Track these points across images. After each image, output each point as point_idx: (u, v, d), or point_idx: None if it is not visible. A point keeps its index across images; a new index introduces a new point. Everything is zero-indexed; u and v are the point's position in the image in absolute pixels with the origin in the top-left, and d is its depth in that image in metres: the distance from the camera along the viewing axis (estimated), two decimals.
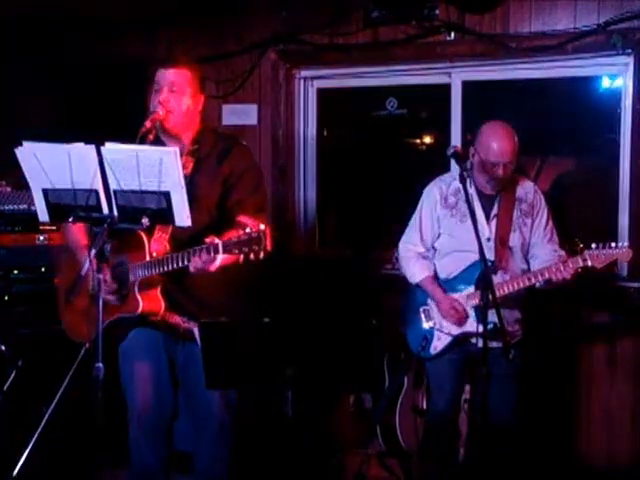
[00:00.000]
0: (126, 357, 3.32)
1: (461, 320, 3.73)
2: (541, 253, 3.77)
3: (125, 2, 4.98)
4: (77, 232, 3.29)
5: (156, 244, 3.09)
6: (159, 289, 3.11)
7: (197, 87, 3.24)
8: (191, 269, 2.94)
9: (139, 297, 3.07)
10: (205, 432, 3.35)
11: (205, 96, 3.31)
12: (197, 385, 3.26)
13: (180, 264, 2.94)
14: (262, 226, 2.74)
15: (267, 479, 4.22)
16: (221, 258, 2.85)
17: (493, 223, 3.75)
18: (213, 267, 2.90)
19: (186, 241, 3.05)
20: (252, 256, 2.73)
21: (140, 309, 3.08)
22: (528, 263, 3.82)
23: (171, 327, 3.23)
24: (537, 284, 3.63)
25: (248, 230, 2.73)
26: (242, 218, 2.90)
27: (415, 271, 3.86)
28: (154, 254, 3.06)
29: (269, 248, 2.74)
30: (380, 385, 4.55)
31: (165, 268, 2.98)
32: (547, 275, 3.58)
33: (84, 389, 2.85)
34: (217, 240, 2.80)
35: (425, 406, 4.32)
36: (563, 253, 3.74)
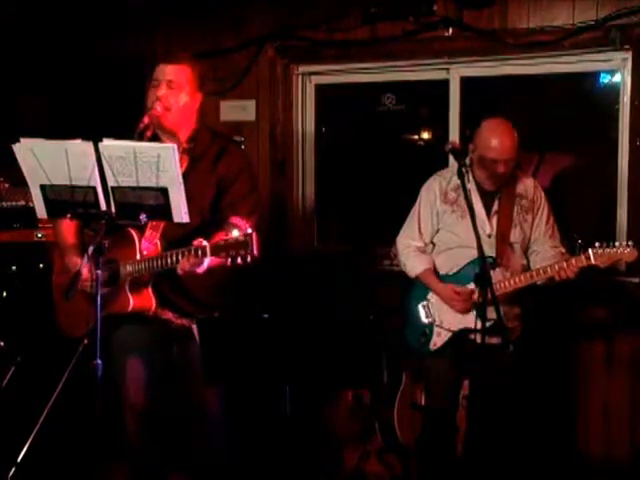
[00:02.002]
0: (118, 351, 3.31)
1: (467, 306, 3.70)
2: (542, 249, 3.77)
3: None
4: (66, 231, 3.28)
5: (147, 242, 3.09)
6: (150, 287, 3.11)
7: (196, 85, 3.23)
8: (179, 271, 2.94)
9: (130, 295, 3.08)
10: (200, 426, 3.36)
11: (203, 94, 3.30)
12: (190, 380, 3.27)
13: (169, 265, 2.94)
14: (249, 230, 2.74)
15: (266, 475, 4.23)
16: (208, 261, 2.85)
17: (494, 219, 3.75)
18: (201, 270, 2.91)
19: (177, 240, 3.06)
20: (239, 260, 2.74)
21: (131, 307, 3.08)
22: (528, 259, 3.81)
23: (164, 323, 3.23)
24: (540, 282, 3.63)
25: (236, 234, 2.73)
26: (234, 219, 2.92)
27: (415, 264, 3.86)
28: (144, 252, 3.07)
29: (256, 253, 2.74)
30: (378, 381, 4.56)
31: (154, 268, 2.98)
32: (550, 273, 3.58)
33: (83, 385, 2.85)
34: (205, 242, 2.81)
35: (423, 402, 4.33)
36: (563, 250, 3.74)
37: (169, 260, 2.94)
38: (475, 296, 3.66)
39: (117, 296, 3.08)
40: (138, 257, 3.06)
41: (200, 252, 2.82)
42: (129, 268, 3.06)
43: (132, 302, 3.08)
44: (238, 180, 3.23)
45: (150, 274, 3.06)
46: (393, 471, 4.34)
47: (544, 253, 3.75)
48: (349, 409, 4.75)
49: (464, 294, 3.70)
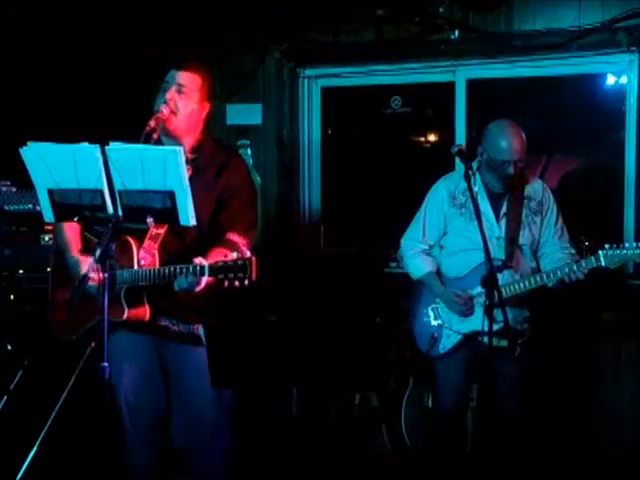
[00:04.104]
0: (114, 356, 3.28)
1: (468, 310, 3.71)
2: (552, 251, 3.76)
3: (130, 1, 4.99)
4: (70, 234, 3.28)
5: (145, 253, 3.09)
6: (145, 296, 3.11)
7: (205, 94, 3.23)
8: (175, 288, 2.94)
9: (125, 304, 3.07)
10: (198, 432, 3.34)
11: (211, 104, 3.30)
12: (188, 385, 3.26)
13: (165, 278, 2.94)
14: (248, 253, 2.74)
15: (272, 477, 4.23)
16: (206, 279, 2.86)
17: (503, 222, 3.74)
18: (198, 288, 2.91)
19: (175, 252, 3.06)
20: (236, 283, 2.74)
21: (125, 316, 3.07)
22: (537, 261, 3.81)
23: (160, 329, 3.23)
24: (550, 283, 3.62)
25: (235, 256, 2.74)
26: (232, 236, 2.91)
27: (417, 266, 3.86)
28: (142, 262, 3.06)
29: (254, 277, 2.75)
30: (386, 383, 4.56)
31: (150, 279, 2.98)
32: (560, 275, 3.57)
33: (88, 387, 2.85)
34: (204, 262, 2.82)
35: (431, 404, 4.32)
36: (574, 251, 3.74)
37: (166, 273, 2.94)
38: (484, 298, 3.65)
39: (112, 304, 3.06)
40: (135, 266, 3.06)
41: (198, 270, 2.83)
42: (126, 275, 3.06)
43: (126, 312, 3.08)
44: (238, 195, 3.22)
45: (145, 285, 3.05)
46: (400, 473, 4.34)
47: (554, 255, 3.74)
48: (356, 411, 4.75)
49: (464, 298, 3.72)
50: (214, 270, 2.79)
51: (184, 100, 3.17)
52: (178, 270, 2.89)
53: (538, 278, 3.63)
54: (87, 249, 3.21)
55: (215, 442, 3.37)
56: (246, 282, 2.75)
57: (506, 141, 3.61)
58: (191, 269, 2.85)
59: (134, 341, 3.28)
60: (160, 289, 3.06)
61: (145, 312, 3.12)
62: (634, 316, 4.45)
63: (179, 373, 3.32)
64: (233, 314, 3.41)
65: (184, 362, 3.29)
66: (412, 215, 3.97)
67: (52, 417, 3.52)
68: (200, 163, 3.22)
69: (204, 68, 3.29)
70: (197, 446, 3.36)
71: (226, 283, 2.76)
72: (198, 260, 2.84)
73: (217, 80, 4.95)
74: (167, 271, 2.94)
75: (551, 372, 4.52)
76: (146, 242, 3.11)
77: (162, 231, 3.11)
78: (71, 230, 3.28)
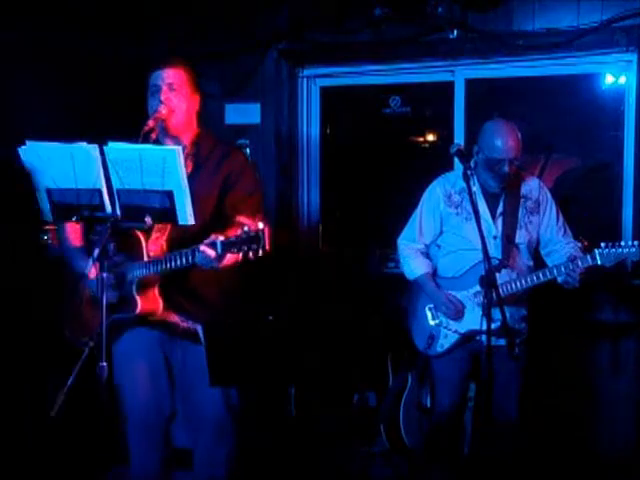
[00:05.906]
0: (122, 357, 3.28)
1: (457, 314, 3.74)
2: (558, 247, 3.77)
3: (129, 2, 4.99)
4: (72, 234, 3.29)
5: (153, 245, 3.10)
6: (157, 289, 3.12)
7: (193, 87, 3.25)
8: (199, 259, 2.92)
9: (137, 297, 3.08)
10: (204, 432, 3.34)
11: (201, 96, 3.31)
12: (194, 384, 3.26)
13: (178, 265, 2.94)
14: (261, 225, 2.74)
15: (271, 477, 4.23)
16: (228, 258, 2.85)
17: (499, 221, 3.75)
18: (219, 264, 2.89)
19: (183, 243, 3.06)
20: (251, 254, 2.73)
21: (138, 309, 3.08)
22: (535, 260, 3.81)
23: (169, 326, 3.23)
24: (559, 279, 3.62)
25: (247, 229, 2.73)
26: (241, 218, 2.91)
27: (413, 268, 3.87)
28: (151, 253, 3.07)
29: (267, 247, 2.74)
30: (384, 383, 4.56)
31: (164, 267, 2.98)
32: (556, 274, 3.57)
33: (88, 388, 2.85)
34: (219, 238, 2.80)
35: (429, 404, 4.33)
36: (579, 244, 3.75)
37: (179, 261, 2.94)
38: (482, 298, 3.66)
39: (124, 299, 3.08)
40: (145, 259, 3.07)
41: (211, 247, 2.81)
42: (137, 270, 3.07)
43: (140, 305, 3.09)
44: (241, 180, 3.22)
45: (158, 276, 3.06)
46: (399, 473, 4.34)
47: (562, 250, 3.74)
48: (354, 411, 4.75)
49: (455, 305, 3.73)
50: (227, 245, 2.78)
51: (178, 97, 3.19)
52: (190, 254, 2.90)
53: (535, 277, 3.64)
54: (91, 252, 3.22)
55: (220, 441, 3.37)
56: (260, 252, 2.73)
57: (501, 139, 3.62)
58: (206, 245, 2.83)
59: (141, 340, 3.29)
60: (171, 281, 3.07)
61: (158, 305, 3.13)
62: (632, 315, 4.46)
63: (184, 371, 3.33)
64: (232, 313, 3.41)
65: (188, 360, 3.29)
66: (411, 215, 3.97)
67: (51, 416, 3.51)
68: (201, 155, 3.23)
69: (184, 62, 3.30)
70: (201, 444, 3.37)
71: (240, 256, 2.75)
72: (214, 236, 2.83)
73: (216, 79, 4.99)
74: (179, 258, 2.94)
75: (549, 371, 4.52)
76: (154, 234, 3.14)
77: None
78: (74, 230, 3.29)
